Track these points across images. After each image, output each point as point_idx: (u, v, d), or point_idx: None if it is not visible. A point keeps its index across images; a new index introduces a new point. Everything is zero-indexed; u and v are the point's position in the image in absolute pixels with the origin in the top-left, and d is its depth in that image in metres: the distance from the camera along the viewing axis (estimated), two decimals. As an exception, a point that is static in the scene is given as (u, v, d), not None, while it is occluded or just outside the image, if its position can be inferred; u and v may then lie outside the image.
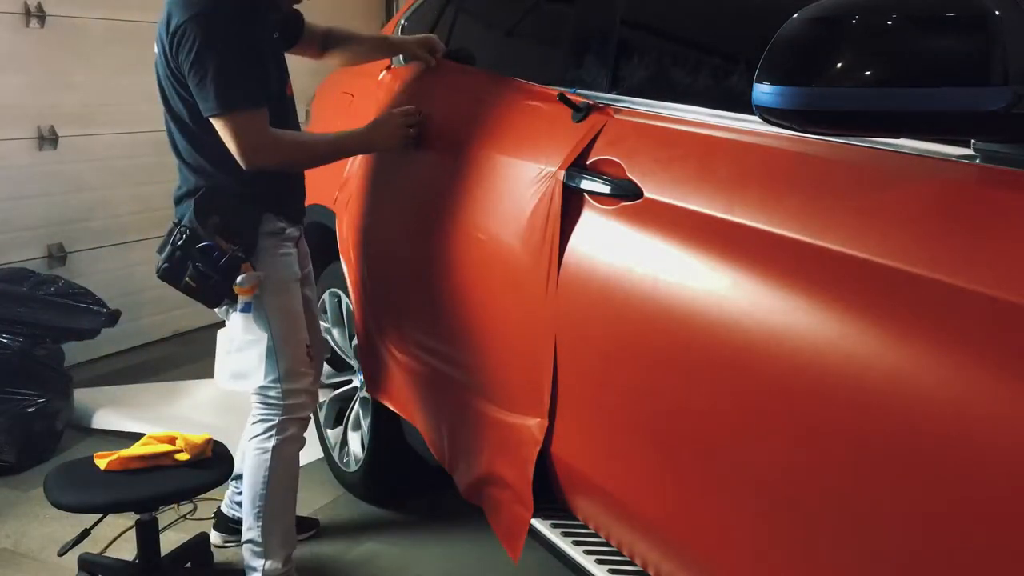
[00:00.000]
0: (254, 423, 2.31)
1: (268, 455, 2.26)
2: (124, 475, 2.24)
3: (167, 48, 2.10)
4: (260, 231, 2.21)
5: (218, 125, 2.09)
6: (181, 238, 2.15)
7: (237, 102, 2.08)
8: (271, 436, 2.27)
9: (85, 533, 2.32)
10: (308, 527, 2.67)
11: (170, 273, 2.18)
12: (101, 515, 2.30)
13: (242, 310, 2.21)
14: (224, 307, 2.27)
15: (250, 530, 2.30)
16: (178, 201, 2.28)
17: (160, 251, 2.21)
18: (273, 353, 2.25)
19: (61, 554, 2.39)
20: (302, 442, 2.34)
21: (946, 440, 1.03)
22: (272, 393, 2.27)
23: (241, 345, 2.24)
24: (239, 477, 2.58)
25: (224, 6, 2.08)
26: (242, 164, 2.13)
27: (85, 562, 2.42)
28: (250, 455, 2.30)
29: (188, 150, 2.22)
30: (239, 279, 2.15)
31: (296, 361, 2.28)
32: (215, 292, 2.18)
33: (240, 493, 2.54)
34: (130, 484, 2.23)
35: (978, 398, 1.00)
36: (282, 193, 2.29)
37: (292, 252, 2.32)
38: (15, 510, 2.88)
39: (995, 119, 1.00)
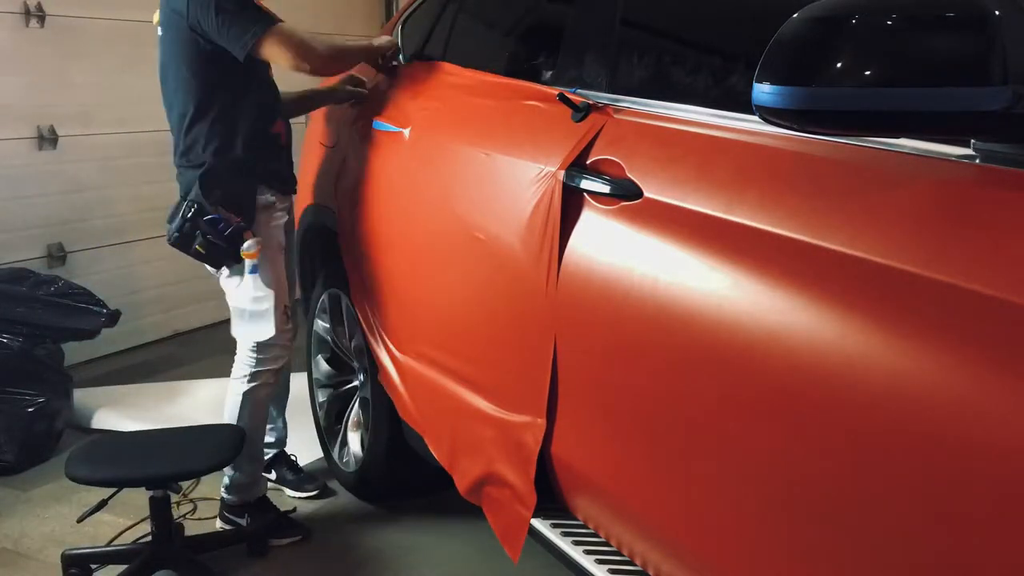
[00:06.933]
0: (235, 367, 2.63)
1: (241, 397, 2.59)
2: (140, 453, 2.45)
3: (186, 8, 2.32)
4: (257, 204, 2.49)
5: (267, 46, 2.33)
6: (190, 211, 2.41)
7: (272, 19, 2.35)
8: (246, 381, 2.60)
9: (102, 503, 2.49)
10: (295, 531, 2.68)
11: (181, 241, 2.44)
12: (116, 488, 2.48)
13: (251, 272, 2.49)
14: (224, 271, 2.54)
15: None
16: (182, 169, 2.52)
17: (170, 221, 2.46)
18: None
19: (80, 520, 2.55)
20: (272, 387, 2.68)
21: (946, 440, 1.04)
22: (252, 347, 2.58)
23: (254, 302, 2.52)
24: None
25: None
26: (307, 69, 2.39)
27: (75, 557, 2.46)
28: (230, 395, 2.62)
29: (195, 126, 2.44)
30: (245, 245, 2.44)
31: (278, 322, 2.57)
32: (221, 257, 2.47)
33: None
34: (143, 461, 2.40)
35: (978, 398, 1.00)
36: (272, 167, 2.55)
37: (281, 224, 2.59)
38: (15, 510, 2.88)
39: (995, 119, 1.00)
